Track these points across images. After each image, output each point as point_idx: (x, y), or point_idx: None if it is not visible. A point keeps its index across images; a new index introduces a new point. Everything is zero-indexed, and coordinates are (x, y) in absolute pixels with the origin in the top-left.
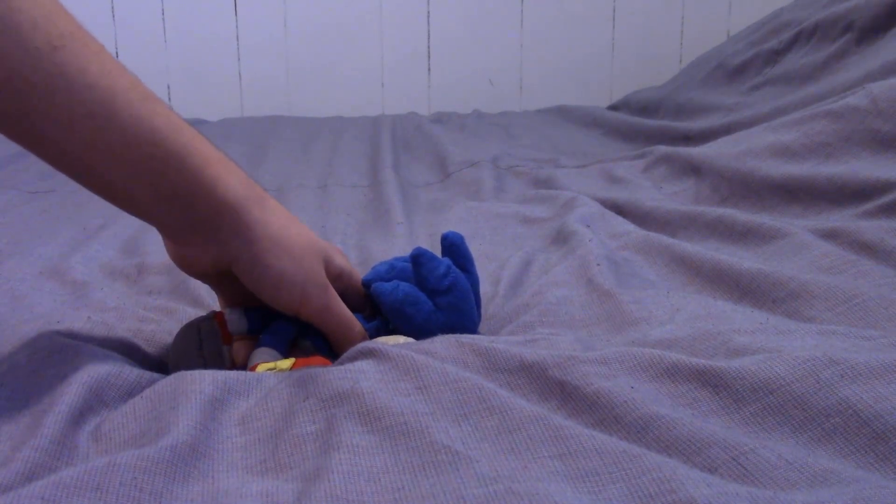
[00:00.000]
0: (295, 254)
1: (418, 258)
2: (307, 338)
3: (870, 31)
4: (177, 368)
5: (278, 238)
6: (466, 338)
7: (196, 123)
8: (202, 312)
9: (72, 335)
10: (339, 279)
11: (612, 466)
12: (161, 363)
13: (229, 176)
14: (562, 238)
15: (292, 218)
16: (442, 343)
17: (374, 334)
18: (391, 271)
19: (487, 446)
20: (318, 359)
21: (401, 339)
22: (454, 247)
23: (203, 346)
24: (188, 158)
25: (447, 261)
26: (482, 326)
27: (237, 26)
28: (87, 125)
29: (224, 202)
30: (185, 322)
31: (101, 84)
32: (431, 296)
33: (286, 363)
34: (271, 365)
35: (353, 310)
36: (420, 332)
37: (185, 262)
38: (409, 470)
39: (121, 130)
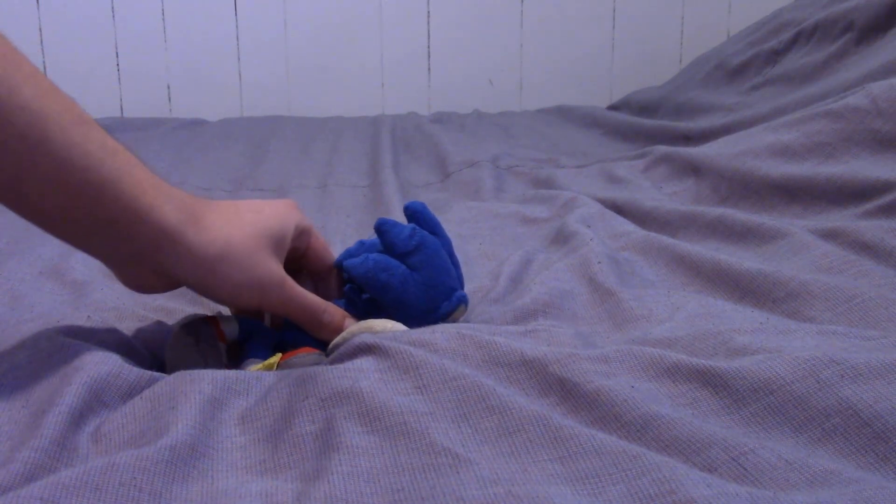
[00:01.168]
0: (242, 263)
1: (381, 227)
2: (287, 334)
3: (870, 31)
4: (174, 365)
5: (221, 255)
6: (467, 329)
7: (196, 123)
8: (202, 311)
9: (72, 335)
10: (299, 238)
11: (612, 467)
12: (160, 363)
13: (164, 202)
14: (562, 238)
15: (231, 219)
16: (443, 334)
17: (348, 308)
18: (360, 248)
19: (487, 448)
20: (304, 349)
21: (388, 324)
22: (417, 213)
23: (200, 342)
24: (122, 185)
25: (411, 224)
26: (481, 313)
27: (237, 26)
28: (18, 148)
29: (159, 229)
30: (182, 321)
31: (34, 106)
32: (402, 259)
33: (273, 359)
34: (260, 366)
35: (328, 296)
36: (400, 296)
37: (136, 286)
38: (409, 471)
39: (53, 154)
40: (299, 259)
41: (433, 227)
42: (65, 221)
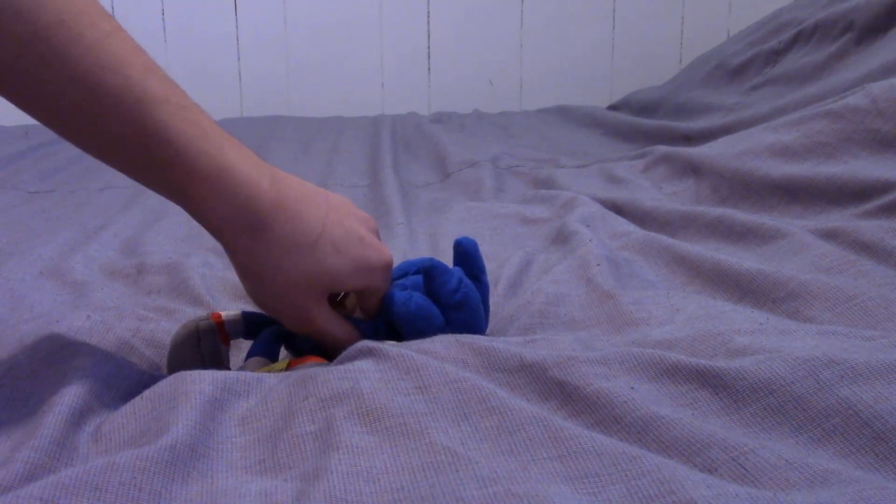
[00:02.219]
0: (276, 290)
1: (430, 271)
2: (297, 341)
3: (870, 31)
4: (174, 366)
5: (259, 274)
6: (466, 337)
7: None
8: (202, 311)
9: (71, 334)
10: (360, 294)
11: (612, 468)
12: (160, 363)
13: (221, 200)
14: (562, 238)
15: (299, 244)
16: (441, 343)
17: (371, 335)
18: (407, 273)
19: (487, 447)
20: (312, 358)
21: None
22: (467, 255)
23: (201, 344)
24: (176, 171)
25: (458, 273)
26: None
27: (237, 26)
28: (75, 114)
29: (208, 223)
30: (183, 321)
31: (87, 79)
32: (442, 310)
33: (280, 365)
34: (265, 368)
35: (369, 316)
36: None
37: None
38: (409, 471)
39: (104, 131)
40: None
41: (478, 272)
42: (128, 174)
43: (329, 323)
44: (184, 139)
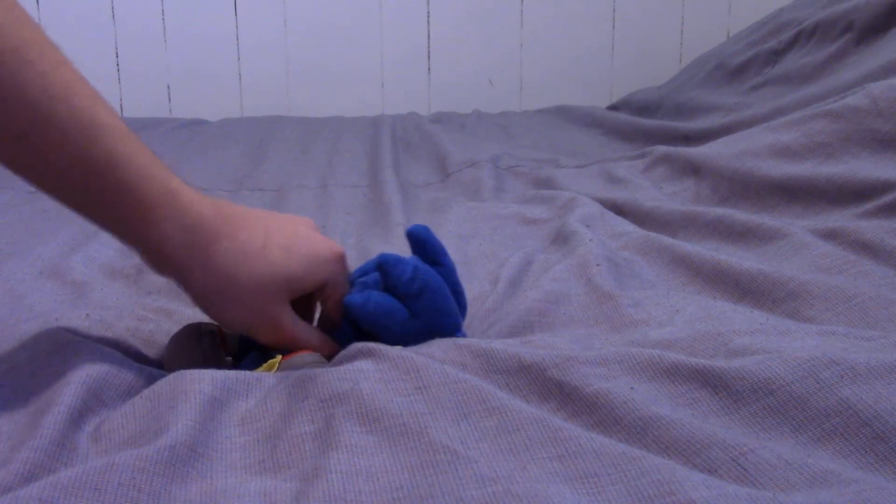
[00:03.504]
0: (241, 299)
1: (383, 266)
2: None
3: (870, 31)
4: (173, 359)
5: (218, 287)
6: (464, 340)
7: (196, 123)
8: (200, 313)
9: (71, 332)
10: (322, 290)
11: (611, 468)
12: (159, 362)
13: (172, 221)
14: (562, 238)
15: (250, 253)
16: (440, 346)
17: (343, 341)
18: (364, 274)
19: (486, 447)
20: (305, 350)
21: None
22: (420, 242)
23: (203, 341)
24: (127, 196)
25: (413, 261)
26: (479, 325)
27: (237, 26)
28: (22, 144)
29: (162, 246)
30: (182, 323)
31: (37, 108)
32: (404, 301)
33: (274, 360)
34: (261, 367)
35: (331, 325)
36: (398, 340)
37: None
38: (408, 470)
39: (54, 157)
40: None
41: (436, 255)
42: (77, 208)
43: (301, 330)
44: (133, 165)
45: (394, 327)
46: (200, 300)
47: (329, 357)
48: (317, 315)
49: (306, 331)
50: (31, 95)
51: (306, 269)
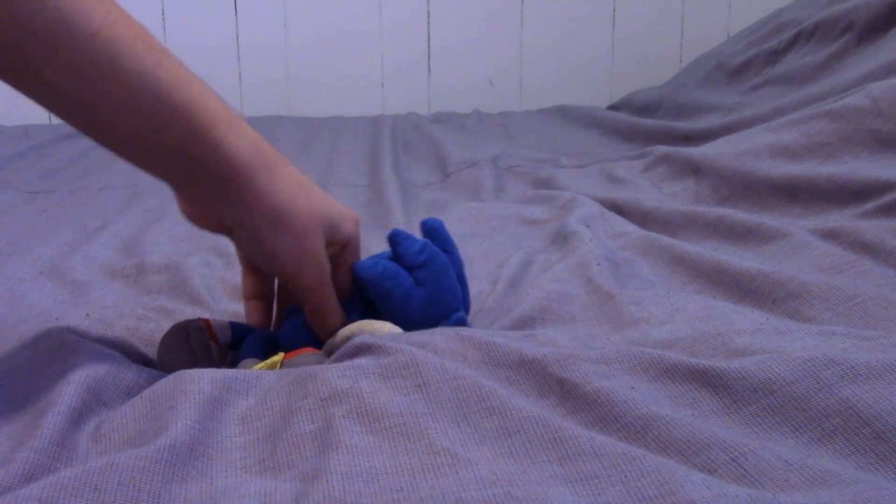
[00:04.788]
0: (296, 230)
1: (394, 237)
2: (282, 334)
3: (870, 31)
4: (164, 361)
5: (280, 212)
6: (466, 331)
7: None
8: (201, 311)
9: (71, 332)
10: (344, 249)
11: (611, 469)
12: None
13: (237, 138)
14: (562, 238)
15: (304, 185)
16: (442, 336)
17: (348, 312)
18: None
19: (486, 449)
20: (307, 349)
21: (386, 325)
22: (433, 231)
23: (191, 339)
24: (194, 115)
25: (424, 239)
26: (479, 322)
27: (237, 27)
28: (90, 74)
29: (228, 165)
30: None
31: (105, 33)
32: (411, 272)
33: (276, 358)
34: (262, 364)
35: (344, 291)
36: (401, 306)
37: (194, 217)
38: (408, 471)
39: (125, 81)
40: (333, 269)
41: (447, 246)
42: (137, 146)
43: (330, 285)
44: (195, 86)
45: (398, 294)
46: (258, 230)
47: (334, 329)
48: None
49: (334, 294)
50: (98, 22)
51: (342, 217)
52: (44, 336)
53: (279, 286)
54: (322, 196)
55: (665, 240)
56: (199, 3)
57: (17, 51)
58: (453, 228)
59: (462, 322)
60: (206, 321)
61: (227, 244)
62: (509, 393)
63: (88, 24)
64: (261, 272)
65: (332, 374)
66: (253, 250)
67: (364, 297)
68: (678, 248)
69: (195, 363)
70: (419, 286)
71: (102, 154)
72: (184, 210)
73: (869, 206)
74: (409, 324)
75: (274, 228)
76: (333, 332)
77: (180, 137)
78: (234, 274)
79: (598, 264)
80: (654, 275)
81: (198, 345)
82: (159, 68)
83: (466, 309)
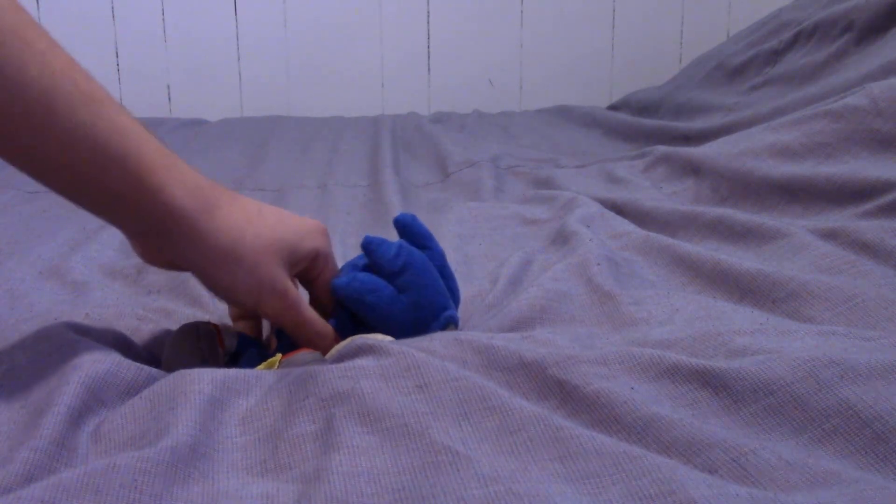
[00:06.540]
0: (246, 264)
1: (367, 246)
2: (280, 348)
3: (870, 31)
4: (172, 359)
5: (227, 250)
6: (464, 335)
7: (196, 123)
8: (200, 312)
9: (71, 332)
10: (315, 261)
11: (612, 468)
12: (158, 362)
13: (175, 185)
14: (562, 238)
15: (251, 218)
16: (441, 341)
17: (340, 330)
18: (353, 269)
19: (488, 447)
20: (305, 349)
21: (379, 337)
22: (406, 228)
23: (201, 342)
24: (130, 165)
25: (399, 241)
26: (478, 320)
27: (237, 26)
28: (24, 124)
29: (167, 212)
30: (182, 323)
31: (41, 84)
32: (389, 279)
33: (274, 358)
34: (261, 365)
35: (326, 306)
36: (388, 317)
37: (148, 259)
38: (410, 471)
39: (60, 132)
40: (309, 283)
41: (423, 240)
42: (78, 193)
43: (305, 305)
44: (134, 135)
45: (381, 305)
46: (208, 272)
47: (327, 347)
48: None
49: (309, 308)
50: (34, 73)
51: (300, 236)
52: (44, 336)
53: None
54: (276, 220)
55: (665, 240)
56: (199, 3)
57: None
58: (453, 228)
59: (452, 319)
60: (216, 326)
61: None
62: (510, 394)
63: (23, 75)
64: None
65: (332, 375)
66: (210, 287)
67: (351, 311)
68: (678, 249)
69: (204, 365)
70: (402, 293)
71: None
72: (137, 252)
73: (869, 206)
74: (399, 332)
75: (224, 266)
76: (329, 347)
77: (118, 187)
78: None
79: (598, 264)
80: (654, 275)
81: (207, 347)
82: (97, 118)
83: (456, 301)
